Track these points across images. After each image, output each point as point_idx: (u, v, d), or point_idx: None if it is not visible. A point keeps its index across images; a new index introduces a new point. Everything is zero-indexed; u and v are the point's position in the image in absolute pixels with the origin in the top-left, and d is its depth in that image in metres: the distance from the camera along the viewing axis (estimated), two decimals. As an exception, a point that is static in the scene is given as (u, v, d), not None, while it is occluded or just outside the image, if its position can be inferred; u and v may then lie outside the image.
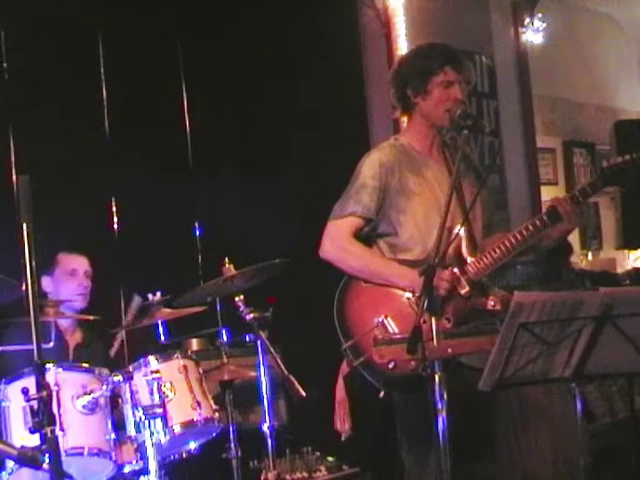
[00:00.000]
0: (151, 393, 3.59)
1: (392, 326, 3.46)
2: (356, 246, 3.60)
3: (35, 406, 2.47)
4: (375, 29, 6.55)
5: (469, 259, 3.57)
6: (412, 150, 3.70)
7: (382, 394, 3.49)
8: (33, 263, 2.54)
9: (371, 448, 5.06)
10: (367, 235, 3.67)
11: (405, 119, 3.86)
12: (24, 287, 3.64)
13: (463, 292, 3.50)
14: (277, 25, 5.81)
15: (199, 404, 3.80)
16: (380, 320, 3.47)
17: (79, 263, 4.46)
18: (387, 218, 3.62)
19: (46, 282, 4.42)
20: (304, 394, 3.90)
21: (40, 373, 2.51)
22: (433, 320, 3.11)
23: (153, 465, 3.56)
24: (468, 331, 3.39)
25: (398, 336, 3.26)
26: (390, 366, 3.28)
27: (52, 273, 4.43)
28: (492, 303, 3.43)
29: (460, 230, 3.49)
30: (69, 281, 4.41)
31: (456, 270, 3.51)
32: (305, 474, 4.61)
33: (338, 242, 3.59)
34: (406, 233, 3.61)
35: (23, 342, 3.76)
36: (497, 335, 2.96)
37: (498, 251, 3.54)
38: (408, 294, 3.52)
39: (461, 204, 3.61)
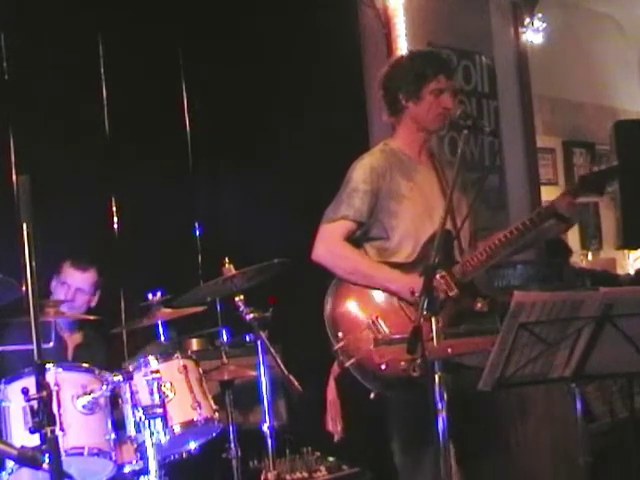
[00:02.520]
0: (151, 393, 3.59)
1: (383, 327, 3.51)
2: (348, 250, 3.65)
3: (35, 406, 2.47)
4: (375, 29, 6.54)
5: (459, 261, 3.63)
6: (402, 154, 3.75)
7: (373, 395, 3.53)
8: (33, 263, 2.54)
9: (370, 448, 5.06)
10: (356, 238, 3.71)
11: (392, 122, 3.86)
12: (24, 287, 3.66)
13: (451, 294, 3.55)
14: (277, 25, 5.81)
15: (199, 404, 3.80)
16: (371, 321, 3.52)
17: (73, 279, 4.48)
18: (379, 222, 3.67)
19: (53, 283, 4.49)
20: (301, 389, 3.90)
21: (40, 373, 2.51)
22: (433, 320, 3.13)
23: (153, 465, 3.56)
24: (468, 331, 3.42)
25: (398, 336, 3.28)
26: (382, 367, 3.35)
27: (56, 277, 4.49)
28: (479, 305, 3.49)
29: (451, 233, 3.58)
30: (61, 290, 4.46)
31: (444, 273, 3.55)
32: (305, 474, 4.60)
33: (330, 246, 3.64)
34: (397, 236, 3.66)
35: (22, 342, 3.77)
36: (497, 335, 2.96)
37: (485, 254, 3.59)
38: None
39: (451, 207, 3.62)
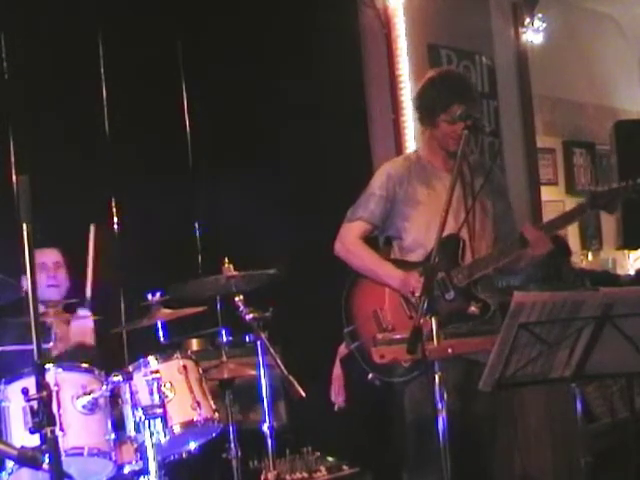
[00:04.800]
0: (151, 393, 3.59)
1: (383, 318, 3.81)
2: (359, 248, 3.96)
3: (35, 406, 2.47)
4: (375, 29, 6.54)
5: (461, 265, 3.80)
6: (427, 163, 3.99)
7: (371, 376, 3.81)
8: (33, 263, 2.54)
9: (370, 448, 5.07)
10: (386, 237, 4.06)
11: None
12: (24, 287, 3.65)
13: (447, 296, 3.74)
14: (277, 25, 5.81)
15: (199, 404, 3.79)
16: (374, 312, 3.83)
17: (46, 256, 4.46)
18: (394, 224, 3.96)
19: (24, 281, 4.37)
20: (304, 394, 3.92)
21: (40, 373, 2.51)
22: (433, 320, 3.18)
23: (153, 465, 3.55)
24: (468, 331, 3.48)
25: (398, 336, 3.34)
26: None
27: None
28: (473, 308, 3.70)
29: (460, 236, 3.76)
30: (40, 275, 4.39)
31: (444, 274, 3.76)
32: (305, 474, 4.61)
33: (345, 244, 3.98)
34: (409, 238, 3.92)
35: (17, 342, 3.77)
36: (497, 335, 2.97)
37: (474, 264, 3.79)
38: None
39: (467, 214, 3.82)
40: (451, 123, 3.80)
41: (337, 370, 4.31)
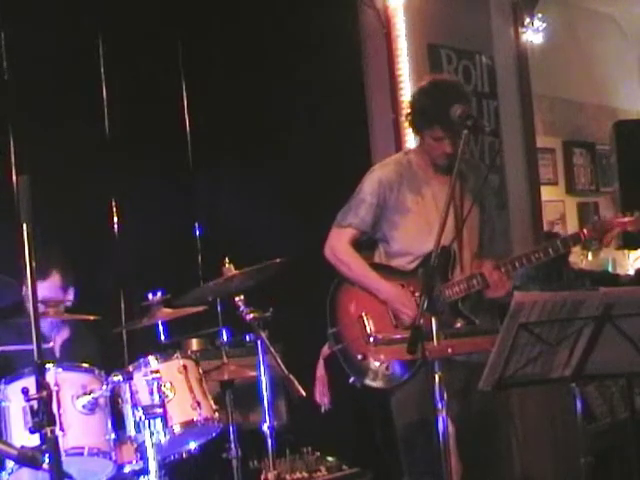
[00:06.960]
0: (151, 393, 3.59)
1: (368, 323, 3.87)
2: (349, 256, 4.00)
3: (35, 406, 2.48)
4: (375, 29, 6.54)
5: (451, 278, 3.85)
6: (417, 168, 3.99)
7: (352, 379, 3.89)
8: (33, 263, 2.54)
9: (370, 448, 5.06)
10: (373, 238, 4.05)
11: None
12: (24, 287, 3.64)
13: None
14: (276, 25, 5.80)
15: (199, 404, 3.79)
16: (359, 316, 3.90)
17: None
18: (382, 231, 3.98)
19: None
20: (304, 394, 3.93)
21: (40, 373, 2.52)
22: (433, 320, 3.20)
23: (153, 465, 3.56)
24: (468, 331, 3.49)
25: (398, 336, 3.36)
26: (359, 357, 3.80)
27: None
28: (458, 325, 3.75)
29: (450, 249, 3.80)
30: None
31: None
32: (305, 474, 4.61)
33: (335, 252, 4.02)
34: (396, 245, 3.96)
35: (14, 342, 3.77)
36: (497, 335, 2.97)
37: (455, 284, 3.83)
38: None
39: (456, 223, 3.82)
40: (436, 140, 3.82)
41: (320, 370, 4.29)
